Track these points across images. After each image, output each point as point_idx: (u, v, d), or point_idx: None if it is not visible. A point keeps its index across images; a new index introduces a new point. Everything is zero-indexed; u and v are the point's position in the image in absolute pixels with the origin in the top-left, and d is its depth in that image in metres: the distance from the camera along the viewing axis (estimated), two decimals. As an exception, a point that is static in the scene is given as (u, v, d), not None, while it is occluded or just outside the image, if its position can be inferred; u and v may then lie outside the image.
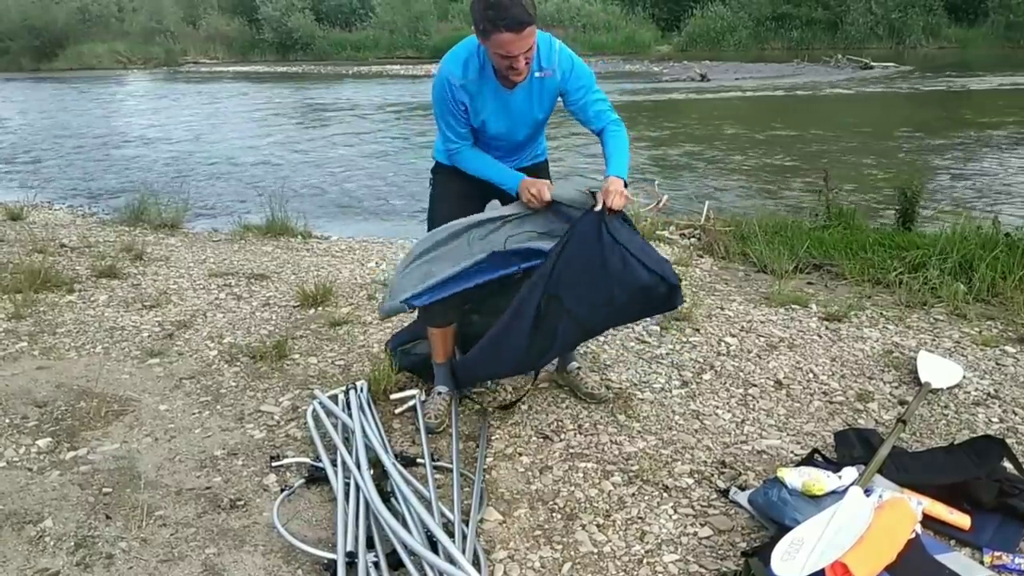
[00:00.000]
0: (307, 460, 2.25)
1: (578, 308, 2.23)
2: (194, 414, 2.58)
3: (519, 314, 2.23)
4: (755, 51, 23.80)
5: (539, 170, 2.52)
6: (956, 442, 2.24)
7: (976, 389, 2.68)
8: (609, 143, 2.32)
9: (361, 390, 2.55)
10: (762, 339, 3.13)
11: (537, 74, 2.25)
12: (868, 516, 1.67)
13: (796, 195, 6.63)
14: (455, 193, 2.43)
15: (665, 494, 2.10)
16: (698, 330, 3.22)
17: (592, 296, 2.22)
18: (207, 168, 8.57)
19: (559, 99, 2.33)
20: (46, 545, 1.92)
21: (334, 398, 2.54)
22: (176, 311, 3.56)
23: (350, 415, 2.36)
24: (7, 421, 2.53)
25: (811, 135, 9.93)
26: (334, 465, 2.15)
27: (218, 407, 2.63)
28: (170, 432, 2.46)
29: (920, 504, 1.87)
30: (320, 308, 3.57)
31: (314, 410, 2.48)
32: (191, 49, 26.75)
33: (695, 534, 1.94)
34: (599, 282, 2.20)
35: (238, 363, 2.97)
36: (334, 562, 1.76)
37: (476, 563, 1.75)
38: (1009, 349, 3.00)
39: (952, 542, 1.86)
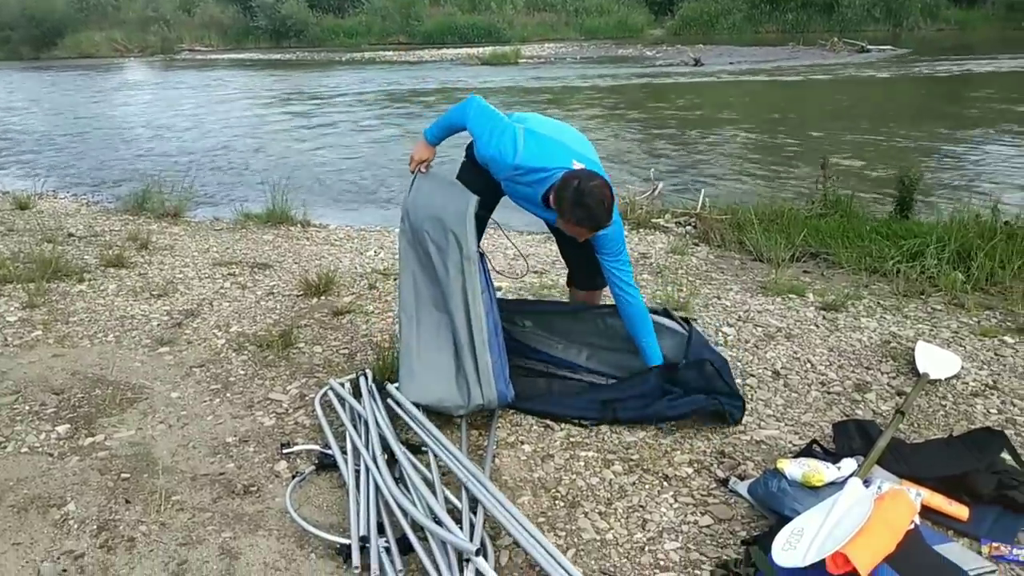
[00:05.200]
0: (316, 447, 2.30)
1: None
2: (205, 402, 2.63)
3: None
4: (749, 34, 23.63)
5: None
6: (955, 433, 2.28)
7: (975, 380, 2.72)
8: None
9: (366, 378, 2.60)
10: (759, 329, 3.18)
11: None
12: (868, 507, 1.71)
13: (792, 182, 6.65)
14: (476, 179, 2.56)
15: (665, 483, 2.15)
16: (695, 320, 3.25)
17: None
18: (206, 156, 8.56)
19: None
20: (70, 528, 1.97)
21: (341, 386, 2.59)
22: (183, 300, 3.60)
23: (360, 403, 2.42)
24: (27, 408, 2.58)
25: (807, 120, 9.93)
26: (343, 453, 2.20)
27: (228, 395, 2.68)
28: (183, 419, 2.51)
29: (919, 495, 1.91)
30: (323, 297, 3.61)
31: (322, 398, 2.53)
32: (186, 37, 26.70)
33: (696, 523, 1.98)
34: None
35: (246, 352, 3.01)
36: (347, 547, 1.82)
37: (483, 548, 1.80)
38: (1008, 339, 3.03)
39: (951, 533, 1.89)
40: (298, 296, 3.64)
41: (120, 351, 3.03)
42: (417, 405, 2.36)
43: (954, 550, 1.78)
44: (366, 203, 6.54)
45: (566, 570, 1.71)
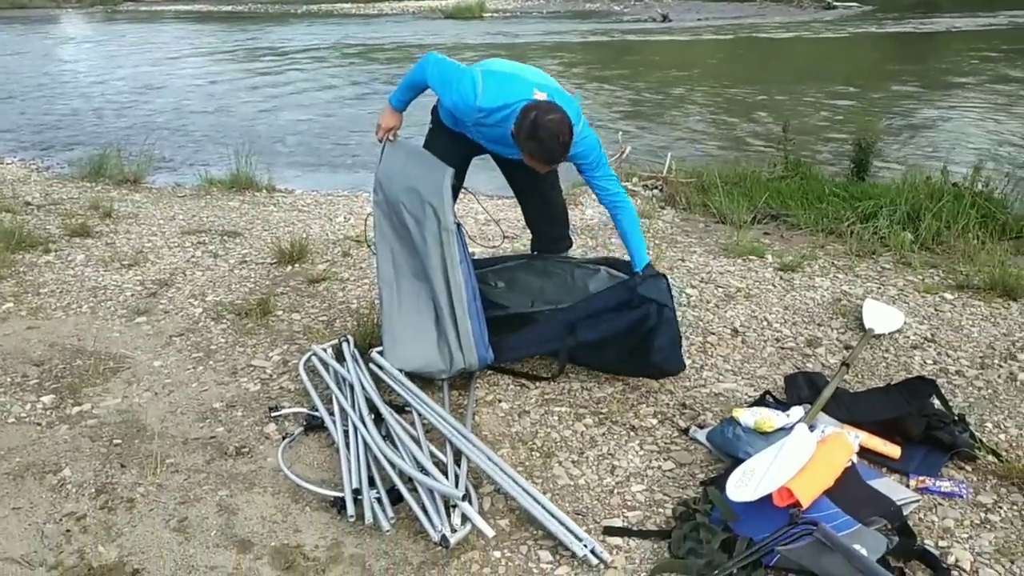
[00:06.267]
0: (304, 410, 2.41)
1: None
2: (188, 369, 2.70)
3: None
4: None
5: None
6: (893, 382, 2.49)
7: (915, 334, 2.93)
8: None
9: (348, 343, 2.70)
10: (720, 290, 3.35)
11: None
12: (811, 448, 1.91)
13: (756, 143, 6.82)
14: (445, 145, 2.62)
15: (632, 433, 2.31)
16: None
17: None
18: (160, 118, 8.37)
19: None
20: (68, 492, 2.05)
21: (324, 351, 2.68)
22: (155, 270, 3.62)
23: (344, 367, 2.52)
24: (8, 380, 2.62)
25: (773, 79, 10.09)
26: (331, 414, 2.32)
27: (210, 362, 2.75)
28: (168, 387, 2.58)
29: (857, 438, 2.12)
30: (297, 265, 3.66)
31: (306, 363, 2.63)
32: (128, -15, 25.52)
33: (659, 467, 2.16)
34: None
35: (224, 320, 3.08)
36: (341, 499, 1.95)
37: (468, 495, 1.95)
38: (948, 296, 3.24)
39: (884, 470, 2.10)
40: (272, 264, 3.69)
41: (96, 322, 3.07)
42: (401, 371, 2.47)
43: (885, 484, 1.99)
44: (330, 166, 6.52)
45: (545, 508, 1.87)
